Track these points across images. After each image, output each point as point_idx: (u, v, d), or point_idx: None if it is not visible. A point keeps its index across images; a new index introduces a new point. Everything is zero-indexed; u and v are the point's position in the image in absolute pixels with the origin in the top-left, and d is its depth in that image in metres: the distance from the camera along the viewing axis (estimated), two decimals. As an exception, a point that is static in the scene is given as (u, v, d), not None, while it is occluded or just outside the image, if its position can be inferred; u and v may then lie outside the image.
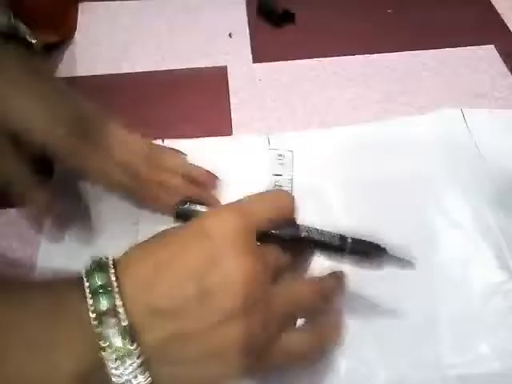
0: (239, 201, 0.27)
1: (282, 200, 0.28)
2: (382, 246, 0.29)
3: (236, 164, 0.40)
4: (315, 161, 0.40)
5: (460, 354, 0.31)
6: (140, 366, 0.22)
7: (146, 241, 0.25)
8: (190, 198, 0.35)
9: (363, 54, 0.49)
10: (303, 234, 0.28)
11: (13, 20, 0.33)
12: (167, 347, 0.23)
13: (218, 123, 0.42)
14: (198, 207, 0.35)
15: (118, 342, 0.22)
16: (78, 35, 0.49)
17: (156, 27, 0.51)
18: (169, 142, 0.40)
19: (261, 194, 0.28)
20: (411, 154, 0.41)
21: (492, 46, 0.50)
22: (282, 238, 0.28)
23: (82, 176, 0.38)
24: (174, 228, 0.26)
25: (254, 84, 0.46)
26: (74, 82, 0.45)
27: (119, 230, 0.36)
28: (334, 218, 0.37)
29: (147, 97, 0.44)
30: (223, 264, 0.24)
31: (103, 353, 0.22)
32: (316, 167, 0.40)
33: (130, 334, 0.22)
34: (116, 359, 0.22)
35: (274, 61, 0.48)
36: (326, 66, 0.48)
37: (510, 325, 0.32)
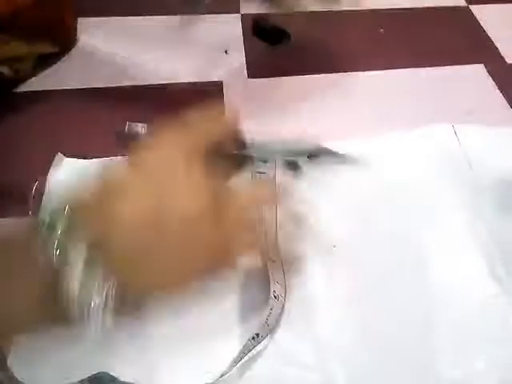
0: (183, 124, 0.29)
1: (223, 118, 0.31)
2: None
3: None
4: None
5: (457, 367, 0.31)
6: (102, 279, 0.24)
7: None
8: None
9: (355, 71, 0.50)
10: (247, 149, 0.31)
11: None
12: (134, 254, 0.25)
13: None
14: (139, 127, 0.33)
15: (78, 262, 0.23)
16: (74, 48, 0.50)
17: (153, 42, 0.51)
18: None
19: (202, 114, 0.30)
20: (403, 167, 0.41)
21: (481, 65, 0.51)
22: (229, 152, 0.30)
23: None
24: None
25: (248, 99, 0.47)
26: (68, 93, 0.46)
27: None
28: (322, 224, 0.37)
29: (143, 111, 0.44)
30: (176, 180, 0.26)
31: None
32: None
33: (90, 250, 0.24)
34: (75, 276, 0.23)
35: (269, 77, 0.49)
36: (320, 83, 0.48)
37: (505, 338, 0.33)
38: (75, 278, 0.23)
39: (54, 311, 0.24)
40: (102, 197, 0.25)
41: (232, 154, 0.31)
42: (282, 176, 0.33)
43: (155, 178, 0.26)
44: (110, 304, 0.24)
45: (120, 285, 0.24)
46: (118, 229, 0.25)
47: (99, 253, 0.24)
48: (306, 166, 0.33)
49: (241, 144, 0.31)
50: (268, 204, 0.33)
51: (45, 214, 0.24)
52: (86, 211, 0.25)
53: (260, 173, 0.33)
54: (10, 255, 0.24)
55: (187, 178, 0.27)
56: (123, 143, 0.30)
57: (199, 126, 0.29)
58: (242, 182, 0.33)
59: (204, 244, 0.27)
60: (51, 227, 0.24)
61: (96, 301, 0.24)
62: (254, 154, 0.32)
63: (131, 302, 0.26)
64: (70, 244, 0.24)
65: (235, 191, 0.30)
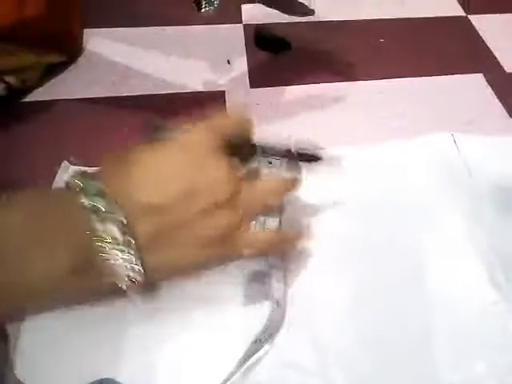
0: (204, 122, 0.31)
1: (240, 118, 0.33)
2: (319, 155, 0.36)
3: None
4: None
5: (457, 372, 0.32)
6: (134, 254, 0.26)
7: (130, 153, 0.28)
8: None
9: (356, 80, 0.51)
10: (258, 151, 0.35)
11: None
12: (158, 237, 0.27)
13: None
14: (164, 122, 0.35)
15: (116, 234, 0.25)
16: (81, 58, 0.51)
17: (157, 53, 0.52)
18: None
19: (221, 115, 0.33)
20: (404, 175, 0.42)
21: (481, 75, 0.52)
22: (243, 153, 0.34)
23: None
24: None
25: (251, 108, 0.47)
26: (74, 103, 0.47)
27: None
28: (324, 231, 0.38)
29: (148, 119, 0.45)
30: (205, 166, 0.28)
31: (103, 244, 0.25)
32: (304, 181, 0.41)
33: (126, 227, 0.25)
34: (113, 249, 0.25)
35: (271, 86, 0.50)
36: (320, 92, 0.49)
37: (504, 344, 0.33)
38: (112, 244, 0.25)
39: (89, 276, 0.26)
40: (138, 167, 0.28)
41: (245, 147, 0.34)
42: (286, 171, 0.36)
43: (187, 158, 0.29)
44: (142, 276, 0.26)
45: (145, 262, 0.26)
46: (149, 196, 0.27)
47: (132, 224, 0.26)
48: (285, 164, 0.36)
49: (250, 140, 0.34)
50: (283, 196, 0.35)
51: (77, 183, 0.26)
52: (118, 180, 0.27)
53: (269, 163, 0.36)
54: (48, 217, 0.26)
55: (215, 164, 0.29)
56: (149, 137, 0.32)
57: (218, 121, 0.32)
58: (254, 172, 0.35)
59: (221, 229, 0.29)
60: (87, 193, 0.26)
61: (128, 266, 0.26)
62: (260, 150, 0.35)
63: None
64: (106, 211, 0.25)
65: (249, 183, 0.32)
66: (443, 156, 0.43)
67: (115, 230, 0.25)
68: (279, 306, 0.33)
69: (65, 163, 0.40)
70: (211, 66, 0.51)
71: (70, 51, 0.50)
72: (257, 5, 0.58)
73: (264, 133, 0.44)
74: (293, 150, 0.36)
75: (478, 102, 0.49)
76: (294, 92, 0.49)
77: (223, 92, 0.49)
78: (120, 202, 0.26)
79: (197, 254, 0.28)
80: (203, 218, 0.28)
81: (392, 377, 0.32)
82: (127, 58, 0.51)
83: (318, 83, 0.50)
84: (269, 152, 0.35)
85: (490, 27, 0.58)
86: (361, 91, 0.50)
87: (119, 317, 0.32)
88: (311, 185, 0.40)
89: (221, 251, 0.29)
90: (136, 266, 0.26)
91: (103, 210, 0.25)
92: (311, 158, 0.36)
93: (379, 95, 0.49)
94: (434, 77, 0.51)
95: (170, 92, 0.48)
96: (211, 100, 0.48)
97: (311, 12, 0.38)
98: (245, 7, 0.58)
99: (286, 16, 0.57)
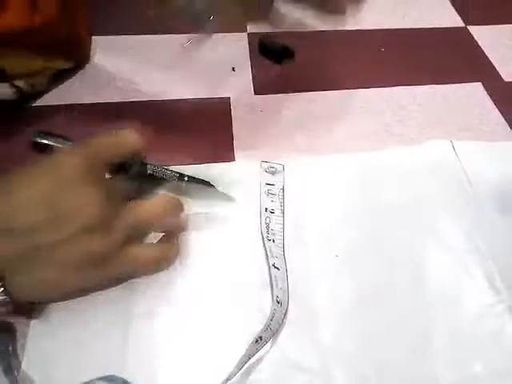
0: (87, 142, 0.32)
1: (126, 138, 0.34)
2: (211, 182, 0.39)
3: (234, 181, 0.41)
4: (307, 178, 0.42)
5: (455, 373, 0.32)
6: None
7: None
8: (45, 131, 0.37)
9: (358, 88, 0.52)
10: (148, 172, 0.36)
11: None
12: (21, 259, 0.27)
13: (221, 150, 0.44)
14: (53, 141, 0.36)
15: None
16: (88, 65, 0.52)
17: (163, 60, 0.53)
18: (174, 168, 0.42)
19: (110, 136, 0.34)
20: (404, 181, 0.43)
21: (479, 83, 0.53)
22: (131, 173, 0.35)
23: None
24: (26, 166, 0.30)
25: (255, 114, 0.48)
26: (80, 108, 0.47)
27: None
28: (326, 234, 0.39)
29: (153, 124, 0.46)
30: (73, 190, 0.29)
31: None
32: (307, 184, 0.42)
33: None
34: None
35: (274, 93, 0.51)
36: (323, 99, 0.50)
37: (502, 345, 0.34)
38: None
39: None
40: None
41: (135, 167, 0.35)
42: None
43: (55, 181, 0.29)
44: None
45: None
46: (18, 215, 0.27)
47: None
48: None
49: (140, 163, 0.36)
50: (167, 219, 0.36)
51: None
52: None
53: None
54: None
55: (83, 188, 0.29)
56: (37, 152, 0.34)
57: (104, 142, 0.33)
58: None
59: (91, 253, 0.29)
60: None
61: None
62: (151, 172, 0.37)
63: None
64: None
65: (133, 203, 0.33)
66: (442, 162, 0.44)
67: None
68: (281, 306, 0.34)
69: None
70: (216, 73, 0.52)
71: (78, 58, 0.51)
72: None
73: (267, 138, 0.45)
74: (185, 174, 0.38)
75: (476, 111, 0.50)
76: (297, 99, 0.50)
77: (228, 98, 0.50)
78: None
79: (61, 277, 0.29)
80: (68, 242, 0.28)
81: (392, 377, 0.32)
82: (134, 64, 0.52)
83: (320, 91, 0.51)
84: (158, 173, 0.37)
85: (489, 37, 0.59)
86: (362, 99, 0.51)
87: (122, 313, 0.33)
88: (312, 188, 0.42)
89: (95, 273, 0.31)
90: None
91: None
92: (202, 182, 0.39)
93: (380, 103, 0.50)
94: (434, 85, 0.52)
95: (175, 98, 0.49)
96: (217, 106, 0.49)
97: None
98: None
99: (290, 25, 0.59)
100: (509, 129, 0.48)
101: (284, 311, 0.34)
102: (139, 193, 0.37)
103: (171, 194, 0.37)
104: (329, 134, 0.47)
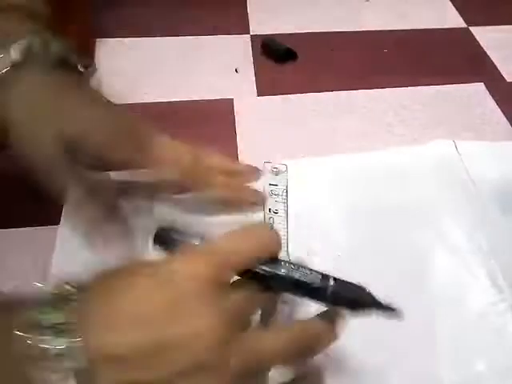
0: (217, 244, 0.26)
1: (263, 239, 0.27)
2: (367, 289, 0.27)
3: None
4: (310, 178, 0.43)
5: (458, 372, 0.32)
6: None
7: (112, 272, 0.25)
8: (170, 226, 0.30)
9: (361, 89, 0.52)
10: (282, 271, 0.26)
11: (66, 49, 0.36)
12: None
13: (225, 151, 0.45)
14: (177, 235, 0.29)
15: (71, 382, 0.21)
16: (92, 67, 0.52)
17: (166, 62, 0.54)
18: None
19: (241, 232, 0.26)
20: (407, 181, 0.43)
21: (481, 84, 0.53)
22: (261, 274, 0.26)
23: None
24: (145, 263, 0.25)
25: (258, 115, 0.49)
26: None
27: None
28: (328, 234, 0.39)
29: (158, 126, 0.46)
30: (184, 316, 0.23)
31: None
32: (310, 185, 0.42)
33: (84, 376, 0.21)
34: None
35: (277, 94, 0.51)
36: (325, 100, 0.51)
37: (504, 343, 0.34)
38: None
39: None
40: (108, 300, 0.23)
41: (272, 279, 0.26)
42: None
43: (166, 297, 0.23)
44: None
45: None
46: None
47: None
48: None
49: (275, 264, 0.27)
50: None
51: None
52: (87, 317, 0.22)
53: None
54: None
55: (199, 308, 0.23)
56: (160, 247, 0.28)
57: (236, 244, 0.26)
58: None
59: None
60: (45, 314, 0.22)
61: None
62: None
63: None
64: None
65: (258, 333, 0.26)
66: (445, 161, 0.44)
67: (71, 377, 0.21)
68: (287, 306, 0.34)
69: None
70: (220, 75, 0.53)
71: (81, 60, 0.51)
72: (264, 16, 0.60)
73: (270, 139, 0.46)
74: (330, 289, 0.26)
75: (479, 111, 0.50)
76: (300, 100, 0.51)
77: (231, 100, 0.50)
78: (83, 342, 0.22)
79: None
80: (177, 380, 0.22)
81: (395, 376, 0.32)
82: (138, 66, 0.53)
83: (323, 92, 0.51)
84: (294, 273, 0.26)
85: (491, 38, 0.59)
86: (365, 99, 0.51)
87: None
88: (315, 188, 0.42)
89: None
90: None
91: (59, 350, 0.21)
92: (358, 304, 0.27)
93: (383, 103, 0.51)
94: (437, 86, 0.53)
95: (179, 100, 0.50)
96: (220, 107, 0.49)
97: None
98: (251, 19, 0.60)
99: (292, 27, 0.59)
100: (511, 128, 0.49)
101: (290, 310, 0.34)
102: (266, 300, 0.28)
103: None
104: (331, 134, 0.47)
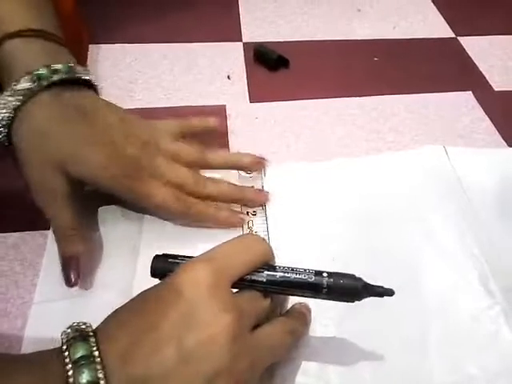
0: (212, 253, 0.27)
1: (256, 250, 0.29)
2: (357, 276, 0.29)
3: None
4: (299, 182, 0.43)
5: (450, 374, 0.32)
6: None
7: (123, 307, 0.26)
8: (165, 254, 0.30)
9: (352, 96, 0.52)
10: (279, 276, 0.28)
11: (73, 67, 0.36)
12: None
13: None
14: (174, 261, 0.29)
15: None
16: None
17: (159, 68, 0.54)
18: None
19: (235, 243, 0.28)
20: (397, 186, 0.43)
21: (470, 92, 0.54)
22: (259, 281, 0.28)
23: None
24: (148, 290, 0.26)
25: (250, 122, 0.49)
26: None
27: (120, 258, 0.37)
28: (317, 239, 0.39)
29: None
30: (199, 325, 0.24)
31: None
32: (298, 189, 0.42)
33: None
34: None
35: (270, 101, 0.51)
36: (317, 107, 0.51)
37: (496, 347, 0.34)
38: None
39: None
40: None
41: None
42: None
43: (178, 311, 0.24)
44: None
45: None
46: None
47: None
48: None
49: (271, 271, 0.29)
50: None
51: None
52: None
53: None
54: None
55: (211, 314, 0.24)
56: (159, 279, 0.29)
57: (231, 254, 0.28)
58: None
59: None
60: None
61: None
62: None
63: None
64: None
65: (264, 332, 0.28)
66: (435, 167, 0.45)
67: None
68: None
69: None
70: (212, 82, 0.53)
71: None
72: (256, 23, 0.61)
73: (262, 145, 0.46)
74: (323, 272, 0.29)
75: (467, 119, 0.51)
76: (292, 107, 0.51)
77: (224, 106, 0.50)
78: (108, 373, 0.23)
79: None
80: None
81: (388, 379, 0.32)
82: (131, 72, 0.53)
83: (315, 99, 0.52)
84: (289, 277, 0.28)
85: (479, 48, 0.60)
86: (356, 107, 0.51)
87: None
88: (304, 193, 0.42)
89: None
90: None
91: (85, 383, 0.22)
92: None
93: (374, 111, 0.51)
94: (427, 94, 0.53)
95: (172, 106, 0.50)
96: (213, 113, 0.49)
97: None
98: (244, 26, 0.61)
99: (284, 35, 0.60)
100: (499, 136, 0.49)
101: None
102: (271, 302, 0.29)
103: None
104: (323, 140, 0.48)
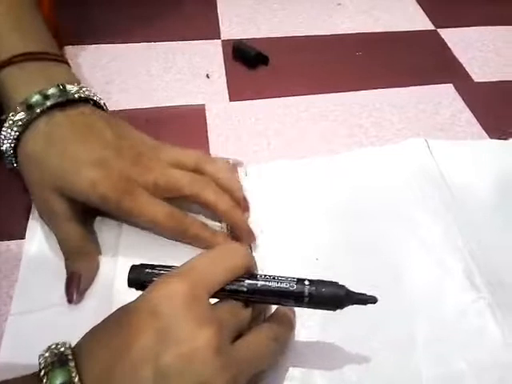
0: (190, 264, 0.27)
1: (236, 259, 0.28)
2: (339, 283, 0.29)
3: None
4: (281, 181, 0.43)
5: (438, 369, 0.32)
6: None
7: (100, 324, 0.26)
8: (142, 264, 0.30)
9: (333, 92, 0.52)
10: (260, 285, 0.28)
11: (66, 88, 0.37)
12: None
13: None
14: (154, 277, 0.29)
15: None
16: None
17: (135, 68, 0.53)
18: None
19: (214, 252, 0.28)
20: (379, 181, 0.43)
21: (451, 85, 0.54)
22: (239, 291, 0.27)
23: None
24: (125, 306, 0.26)
25: (230, 121, 0.48)
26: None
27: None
28: (301, 238, 0.39)
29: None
30: (177, 340, 0.23)
31: None
32: (281, 187, 0.42)
33: None
34: None
35: (249, 99, 0.51)
36: (298, 104, 0.50)
37: (483, 342, 0.34)
38: None
39: None
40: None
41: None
42: None
43: (156, 329, 0.24)
44: None
45: None
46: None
47: None
48: None
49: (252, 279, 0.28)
50: None
51: None
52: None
53: None
54: None
55: (191, 330, 0.24)
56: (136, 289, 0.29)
57: (208, 267, 0.27)
58: None
59: None
60: None
61: None
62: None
63: None
64: None
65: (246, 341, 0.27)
66: (417, 161, 0.44)
67: None
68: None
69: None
70: (191, 81, 0.52)
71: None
72: (234, 20, 0.60)
73: (242, 144, 0.45)
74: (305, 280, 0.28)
75: (448, 111, 0.51)
76: (273, 104, 0.50)
77: (203, 105, 0.49)
78: None
79: None
80: None
81: (375, 376, 0.32)
82: (108, 73, 0.52)
83: (296, 95, 0.51)
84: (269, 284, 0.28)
85: (459, 40, 0.60)
86: (338, 102, 0.51)
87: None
88: (286, 191, 0.42)
89: None
90: None
91: None
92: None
93: (356, 105, 0.51)
94: (408, 87, 0.53)
95: (150, 106, 0.49)
96: (192, 113, 0.49)
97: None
98: (222, 23, 0.60)
99: (263, 31, 0.59)
100: (480, 128, 0.49)
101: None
102: (252, 311, 0.29)
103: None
104: (305, 137, 0.47)
